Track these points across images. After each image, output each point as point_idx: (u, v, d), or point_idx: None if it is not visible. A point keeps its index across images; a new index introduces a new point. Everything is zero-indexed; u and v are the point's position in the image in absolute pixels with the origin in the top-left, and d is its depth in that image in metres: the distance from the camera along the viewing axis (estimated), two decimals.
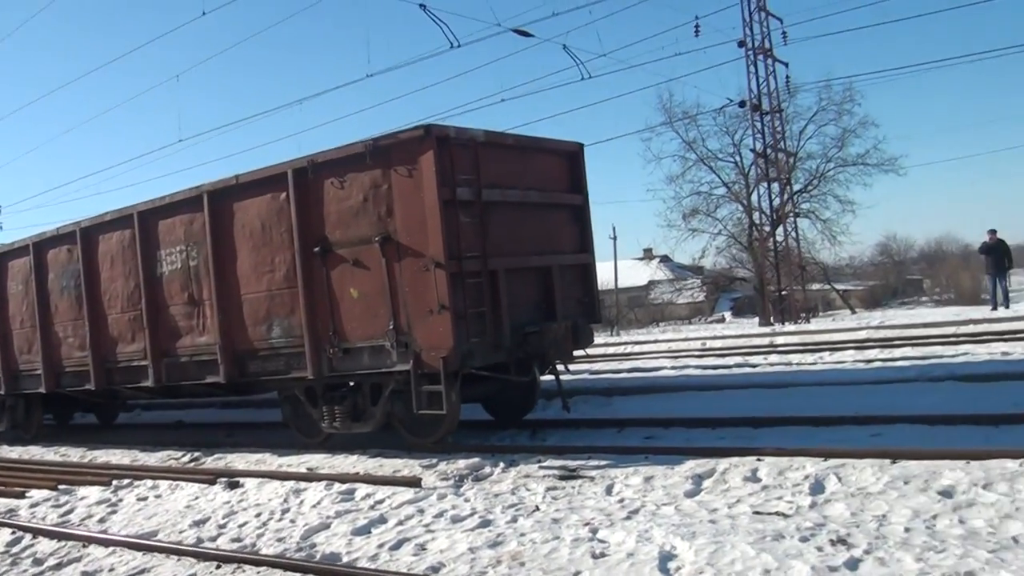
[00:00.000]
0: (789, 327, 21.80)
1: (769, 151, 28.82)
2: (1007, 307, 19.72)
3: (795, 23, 37.93)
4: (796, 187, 31.59)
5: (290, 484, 7.76)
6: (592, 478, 6.96)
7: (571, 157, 10.03)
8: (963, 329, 15.42)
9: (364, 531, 6.18)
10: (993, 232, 20.41)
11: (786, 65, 29.51)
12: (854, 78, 41.46)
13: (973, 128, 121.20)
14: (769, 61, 28.43)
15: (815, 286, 34.72)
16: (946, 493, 5.52)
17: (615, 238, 44.06)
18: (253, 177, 9.25)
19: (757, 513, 5.62)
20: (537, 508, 6.29)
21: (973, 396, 8.73)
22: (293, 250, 8.84)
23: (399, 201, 8.17)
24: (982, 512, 5.14)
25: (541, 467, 7.52)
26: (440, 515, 6.32)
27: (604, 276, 33.58)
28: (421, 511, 6.49)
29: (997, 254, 20.35)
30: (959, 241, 63.28)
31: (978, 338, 13.98)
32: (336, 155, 8.61)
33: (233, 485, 8.06)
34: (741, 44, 28.17)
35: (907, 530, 4.95)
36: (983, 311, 19.71)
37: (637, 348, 18.24)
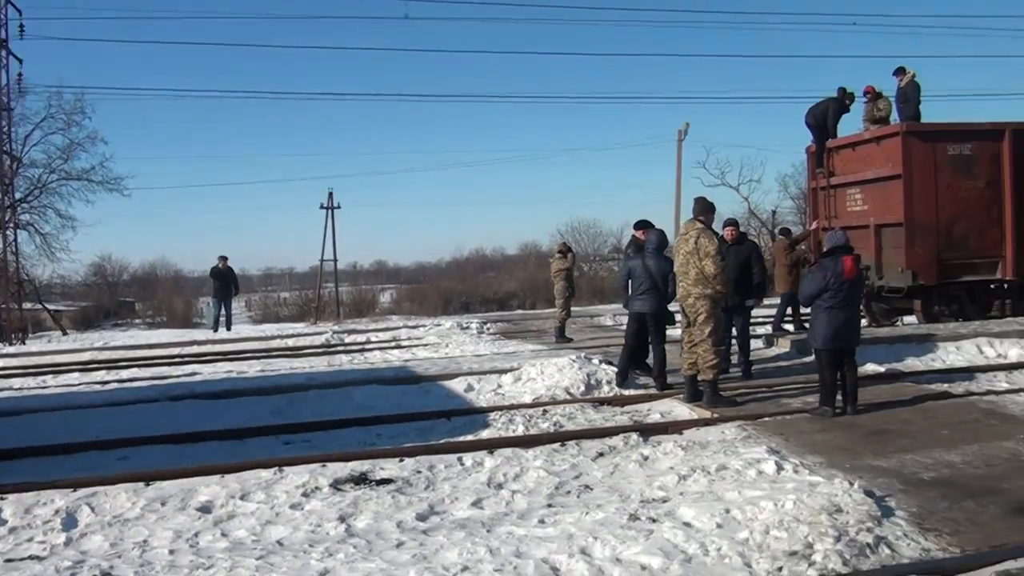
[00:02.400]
0: (7, 348, 19.89)
1: None
2: (228, 329, 21.40)
3: (35, 18, 34.40)
4: (17, 196, 28.93)
5: None
6: None
7: None
8: (189, 350, 16.34)
9: None
10: (224, 259, 21.94)
11: (20, 61, 27.05)
12: (88, 89, 39.67)
13: (199, 161, 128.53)
14: (3, 53, 25.62)
15: (27, 305, 32.17)
16: (205, 509, 5.76)
17: None
18: None
19: (9, 560, 5.05)
20: None
21: (214, 413, 9.23)
22: None
23: None
24: (244, 522, 5.52)
25: None
26: None
27: None
28: None
29: (225, 279, 21.94)
30: (172, 266, 66.08)
31: (204, 358, 14.95)
32: None
33: None
34: None
35: (172, 552, 5.02)
36: (205, 333, 21.04)
37: None
